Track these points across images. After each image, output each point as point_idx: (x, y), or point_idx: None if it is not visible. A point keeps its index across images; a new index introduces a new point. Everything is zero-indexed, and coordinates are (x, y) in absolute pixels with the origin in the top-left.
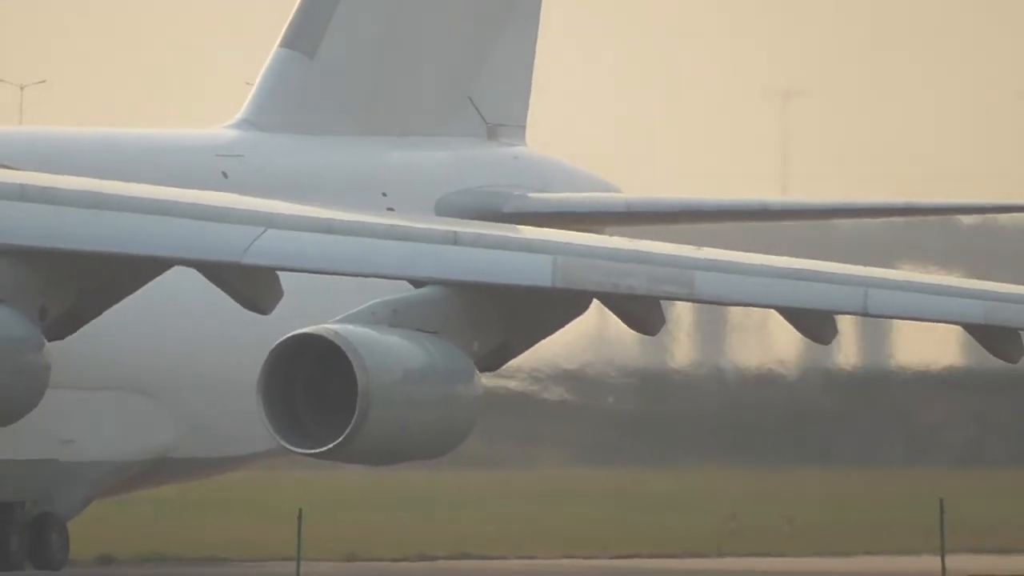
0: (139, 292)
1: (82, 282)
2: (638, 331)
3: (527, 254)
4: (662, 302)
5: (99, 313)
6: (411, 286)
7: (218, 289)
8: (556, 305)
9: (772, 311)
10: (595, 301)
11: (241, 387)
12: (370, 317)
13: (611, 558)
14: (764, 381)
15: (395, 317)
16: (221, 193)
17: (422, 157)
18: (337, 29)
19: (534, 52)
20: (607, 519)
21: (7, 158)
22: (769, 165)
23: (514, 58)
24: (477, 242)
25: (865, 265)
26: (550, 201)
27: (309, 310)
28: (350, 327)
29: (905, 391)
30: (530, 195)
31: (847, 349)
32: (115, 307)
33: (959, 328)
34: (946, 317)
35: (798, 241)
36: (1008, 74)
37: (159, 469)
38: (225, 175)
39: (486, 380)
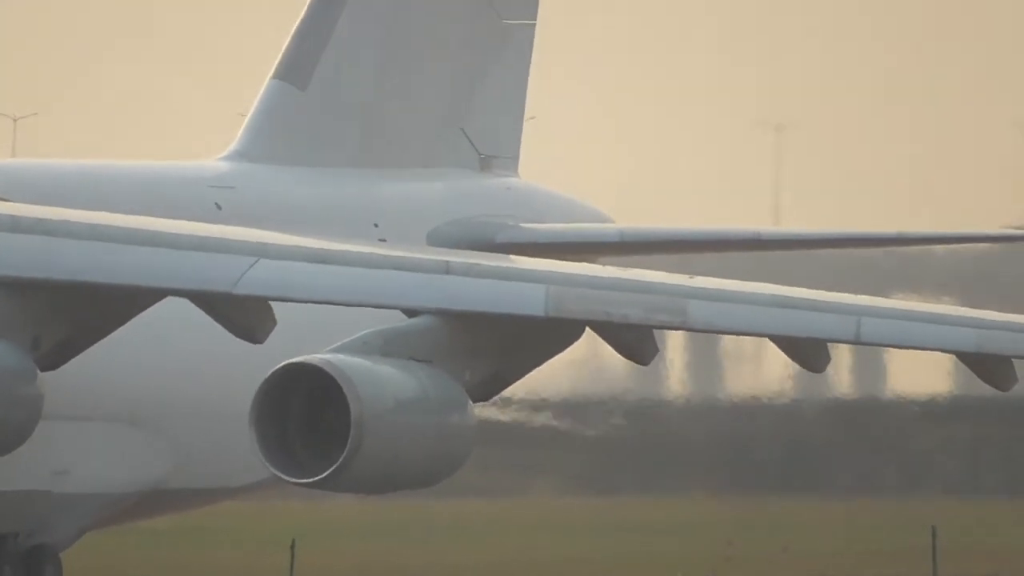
0: (132, 322)
1: (75, 312)
2: (631, 360)
3: (520, 283)
4: (655, 331)
5: (92, 343)
6: (404, 316)
7: (211, 319)
8: (549, 334)
9: (765, 339)
10: (588, 330)
11: (234, 417)
12: (362, 347)
13: None
14: (757, 409)
15: (387, 346)
16: (214, 224)
17: (414, 188)
18: (330, 61)
19: (527, 83)
20: (601, 548)
21: (0, 190)
22: (762, 195)
23: (507, 89)
24: (470, 271)
25: (858, 294)
26: (543, 231)
27: (301, 340)
28: (343, 357)
29: (898, 419)
30: (523, 225)
31: (840, 377)
32: (108, 337)
33: (952, 356)
34: (939, 345)
35: (791, 270)
36: (1000, 103)
37: (152, 500)
38: (218, 206)
39: (479, 409)
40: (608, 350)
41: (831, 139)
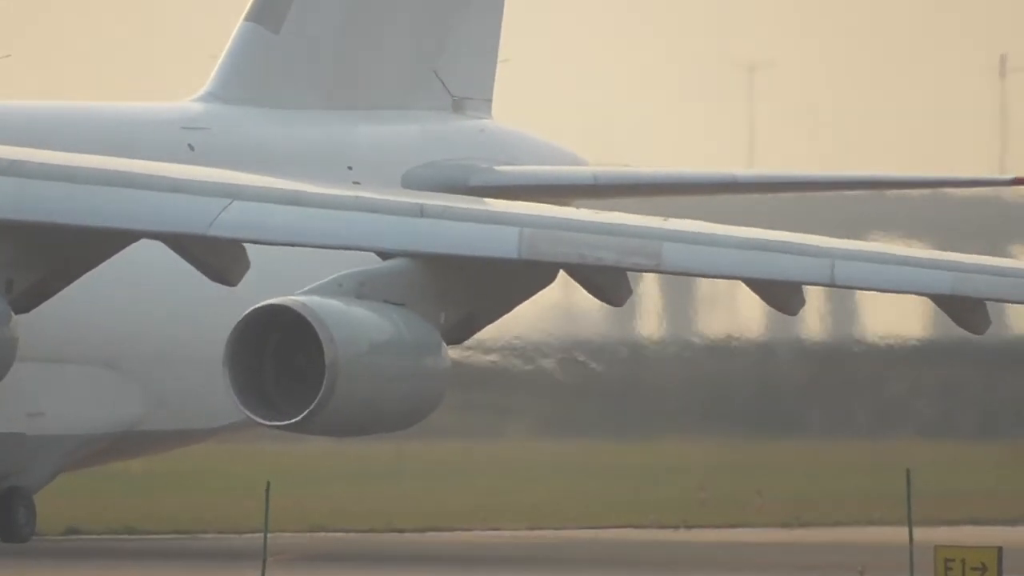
0: (106, 265)
1: (49, 255)
2: (605, 302)
3: (493, 226)
4: (629, 273)
5: (66, 285)
6: (378, 258)
7: (185, 262)
8: (522, 277)
9: (739, 282)
10: (561, 273)
11: (208, 360)
12: (337, 289)
13: (579, 529)
14: (731, 352)
15: (362, 289)
16: (187, 166)
17: (388, 131)
18: (302, 3)
19: (500, 24)
20: (574, 491)
21: None
22: (736, 138)
23: (480, 31)
24: (443, 214)
25: (832, 237)
26: (516, 174)
27: (276, 282)
28: (317, 299)
29: (872, 362)
30: (496, 168)
31: (814, 320)
32: (82, 280)
33: (926, 299)
34: (913, 288)
35: (765, 213)
36: (979, 46)
37: (126, 442)
38: (191, 148)
39: (453, 352)
40: (582, 292)
41: (806, 80)
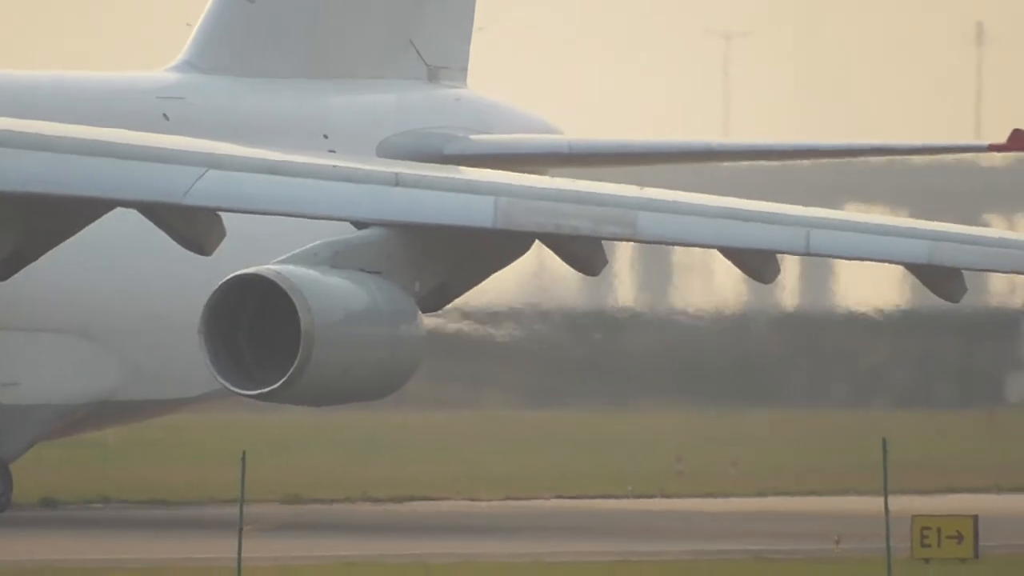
0: (82, 234)
1: (23, 224)
2: (580, 271)
3: (468, 195)
4: (605, 242)
5: (41, 255)
6: (353, 227)
7: (160, 231)
8: (498, 246)
9: (715, 251)
10: (537, 242)
11: (184, 329)
12: (312, 258)
13: (554, 499)
14: (707, 321)
15: (337, 258)
16: (163, 135)
17: (363, 100)
18: None
19: None
20: (551, 461)
21: None
22: (712, 106)
23: (455, 0)
24: (419, 183)
25: (808, 205)
26: (492, 143)
27: (251, 251)
28: (292, 268)
29: (848, 331)
30: (472, 137)
31: (790, 290)
32: (58, 249)
33: (902, 268)
34: (889, 257)
35: (741, 182)
36: (955, 15)
37: (102, 411)
38: (166, 117)
39: (429, 321)
40: (557, 261)
41: (781, 49)
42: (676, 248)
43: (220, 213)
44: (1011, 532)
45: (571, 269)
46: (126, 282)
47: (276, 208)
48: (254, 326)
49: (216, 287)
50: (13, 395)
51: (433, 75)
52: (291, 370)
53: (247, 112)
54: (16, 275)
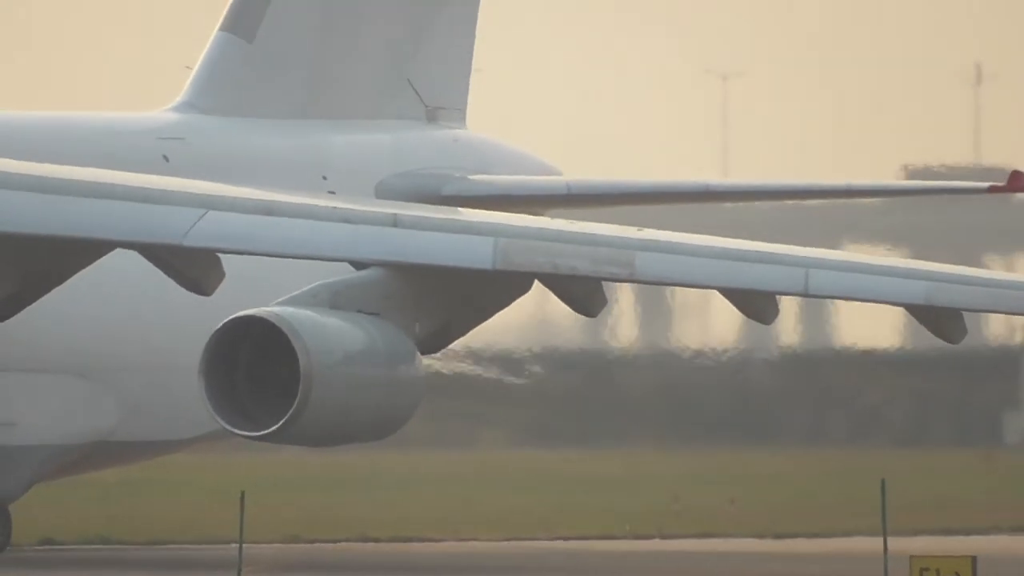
0: (81, 275)
1: (24, 265)
2: (580, 312)
3: (468, 236)
4: (604, 283)
5: (41, 296)
6: (352, 268)
7: (160, 272)
8: (497, 287)
9: (714, 291)
10: (536, 283)
11: (183, 370)
12: (311, 299)
13: (553, 540)
14: (706, 362)
15: (336, 299)
16: (162, 176)
17: (362, 140)
18: (276, 12)
19: (474, 34)
20: (549, 501)
21: None
22: (710, 147)
23: (453, 40)
24: (417, 224)
25: (807, 246)
26: (490, 184)
27: (251, 292)
28: (291, 309)
29: (847, 371)
30: (470, 178)
31: (789, 330)
32: (57, 290)
33: (901, 309)
34: (888, 298)
35: (739, 222)
36: (952, 55)
37: (101, 452)
38: (166, 158)
39: (429, 361)
40: (557, 302)
41: (779, 89)
42: (675, 288)
43: (219, 254)
44: (1010, 572)
45: (570, 310)
46: (125, 322)
47: (275, 249)
48: (253, 367)
49: (215, 328)
50: (11, 436)
51: (432, 116)
52: (290, 411)
53: (246, 153)
54: (15, 316)
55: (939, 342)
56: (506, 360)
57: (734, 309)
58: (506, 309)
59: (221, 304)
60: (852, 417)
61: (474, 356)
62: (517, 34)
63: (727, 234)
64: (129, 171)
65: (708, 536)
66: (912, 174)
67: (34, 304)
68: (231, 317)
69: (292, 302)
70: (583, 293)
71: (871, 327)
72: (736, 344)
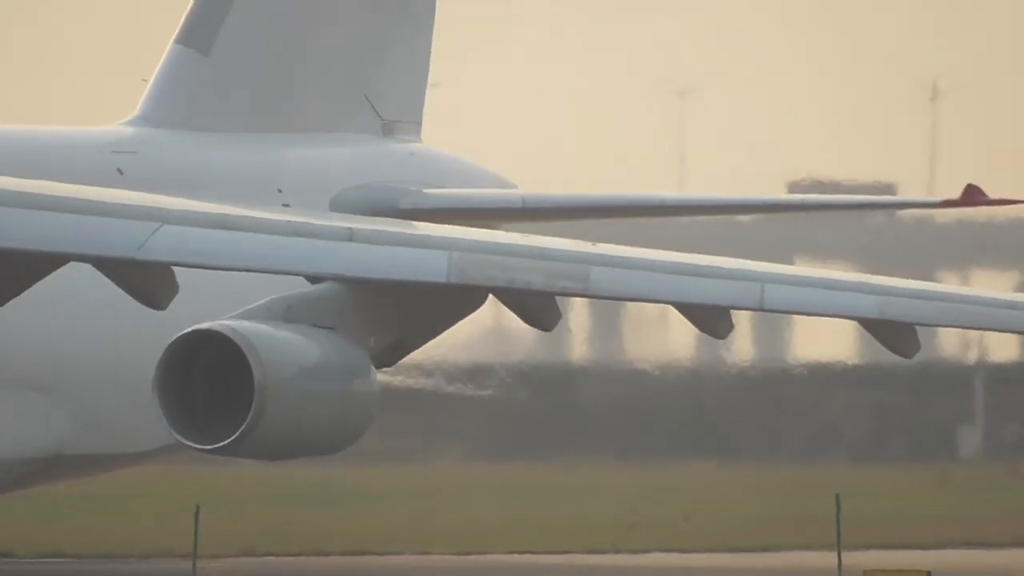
0: (37, 288)
1: None
2: (535, 326)
3: (422, 250)
4: (559, 297)
5: None
6: (307, 282)
7: (114, 285)
8: (452, 301)
9: (669, 306)
10: (491, 296)
11: (138, 383)
12: (266, 313)
13: (509, 554)
14: (661, 376)
15: (291, 313)
16: (117, 190)
17: (317, 153)
18: (232, 26)
19: (430, 48)
20: (505, 515)
21: None
22: (666, 161)
23: (409, 54)
24: (372, 238)
25: (761, 260)
26: (445, 197)
27: (205, 306)
28: (246, 323)
29: (802, 386)
30: (425, 191)
31: (744, 344)
32: (12, 303)
33: (856, 323)
34: (841, 312)
35: (694, 237)
36: (904, 69)
37: (56, 466)
38: (120, 172)
39: (383, 376)
40: (512, 316)
41: (735, 104)
42: (630, 303)
43: (174, 268)
44: None
45: (525, 324)
46: (80, 336)
47: (229, 263)
48: (208, 381)
49: (170, 342)
50: None
51: (387, 129)
52: (245, 424)
53: (201, 166)
54: None
55: (893, 357)
56: (462, 374)
57: (689, 324)
58: (462, 322)
59: (177, 317)
60: (807, 432)
61: (429, 370)
62: (473, 48)
63: (682, 249)
64: (84, 184)
65: (664, 550)
66: (793, 188)
67: None
68: (186, 330)
69: (247, 316)
70: (538, 307)
71: (826, 342)
72: (691, 359)
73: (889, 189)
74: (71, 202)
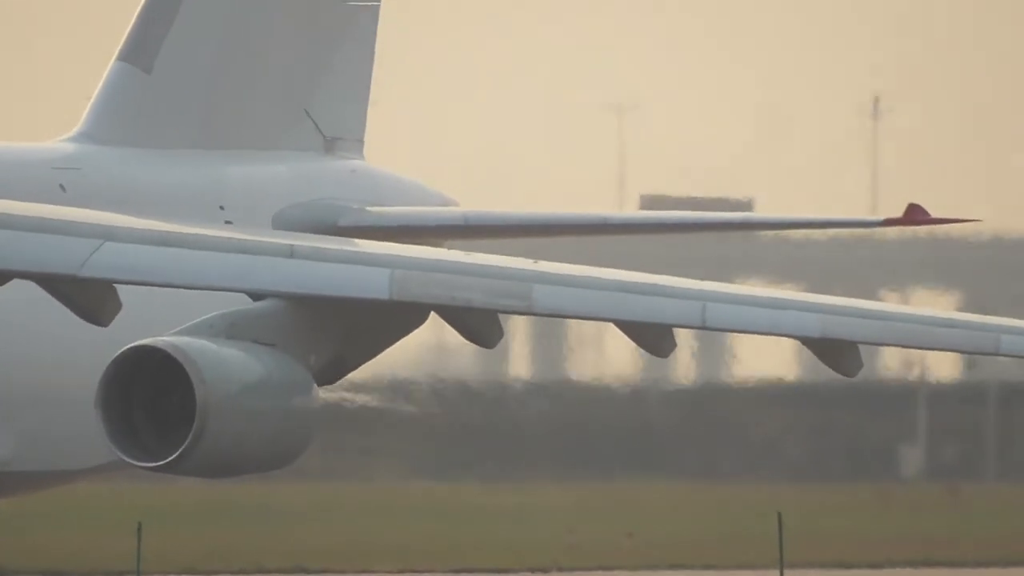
0: None
1: None
2: (477, 344)
3: (364, 267)
4: (501, 315)
5: None
6: (249, 299)
7: (56, 301)
8: (394, 318)
9: (610, 324)
10: (433, 313)
11: (78, 400)
12: (208, 330)
13: (448, 572)
14: (602, 394)
15: (233, 330)
16: (59, 206)
17: (259, 171)
18: (174, 43)
19: (372, 65)
20: (445, 533)
21: None
22: (607, 180)
23: (351, 71)
24: (314, 255)
25: (703, 279)
26: (387, 215)
27: (148, 323)
28: (188, 339)
29: (743, 404)
30: (367, 209)
31: (686, 363)
32: None
33: (797, 341)
34: (784, 331)
35: (636, 255)
36: (845, 88)
37: None
38: (63, 188)
39: (324, 393)
40: (453, 333)
41: (675, 121)
42: (572, 320)
43: (116, 285)
44: None
45: (467, 341)
46: (21, 353)
47: (171, 280)
48: (150, 397)
49: (112, 359)
50: None
51: (329, 147)
52: (186, 442)
53: (143, 183)
54: None
55: (835, 375)
56: (402, 391)
57: (631, 342)
58: (403, 340)
59: (120, 333)
60: (748, 450)
61: (370, 387)
62: (415, 66)
63: (623, 267)
64: (25, 201)
65: (604, 568)
66: (646, 203)
67: None
68: (127, 347)
69: (188, 332)
70: (479, 325)
71: (768, 360)
72: (632, 377)
73: (746, 206)
74: (13, 219)
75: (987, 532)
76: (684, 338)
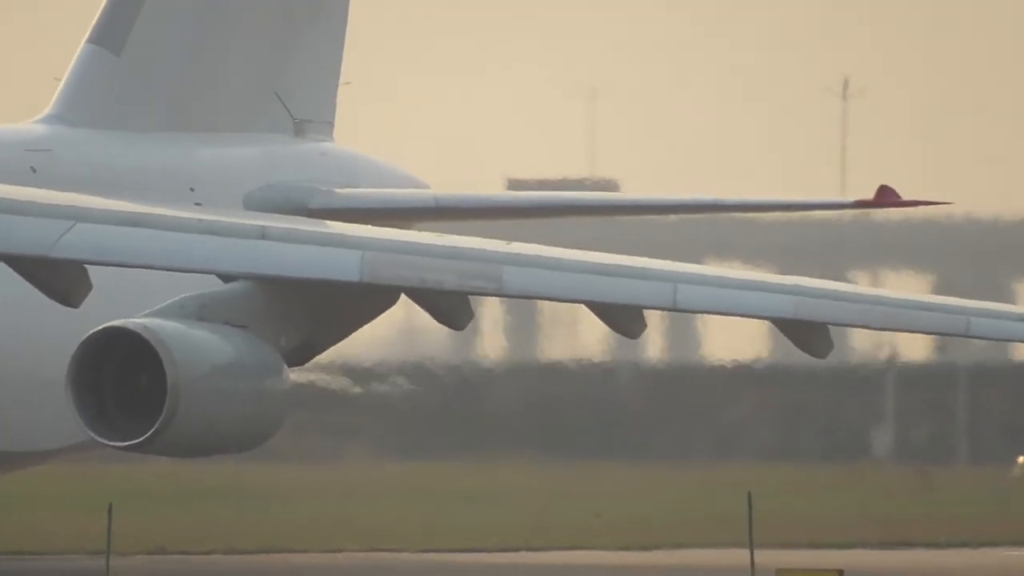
0: None
1: None
2: (447, 325)
3: (335, 249)
4: (471, 296)
5: None
6: (220, 281)
7: (26, 282)
8: (364, 300)
9: (581, 306)
10: (403, 295)
11: (50, 380)
12: (179, 311)
13: (419, 552)
14: (572, 375)
15: (204, 311)
16: (30, 188)
17: (230, 153)
18: (144, 25)
19: (342, 47)
20: (415, 513)
21: None
22: (577, 161)
23: (322, 54)
24: (285, 237)
25: (675, 260)
26: (358, 197)
27: (119, 304)
28: (159, 321)
29: (714, 385)
30: (337, 191)
31: (656, 344)
32: None
33: (768, 323)
34: (755, 312)
35: (606, 237)
36: (815, 69)
37: None
38: (34, 170)
39: (294, 374)
40: (424, 315)
41: (646, 103)
42: (542, 302)
43: (87, 266)
44: None
45: (437, 323)
46: None
47: (142, 261)
48: (121, 378)
49: (83, 339)
50: None
51: (299, 129)
52: (157, 423)
53: (114, 165)
54: None
55: (806, 357)
56: (373, 373)
57: (601, 323)
58: (374, 321)
59: (92, 314)
60: (719, 431)
61: (341, 368)
62: (385, 48)
63: (594, 248)
64: None
65: (574, 548)
66: (512, 185)
67: None
68: (98, 328)
69: (160, 314)
70: (450, 307)
71: (738, 342)
72: (603, 358)
73: (611, 185)
74: None
75: (957, 513)
76: (655, 320)
